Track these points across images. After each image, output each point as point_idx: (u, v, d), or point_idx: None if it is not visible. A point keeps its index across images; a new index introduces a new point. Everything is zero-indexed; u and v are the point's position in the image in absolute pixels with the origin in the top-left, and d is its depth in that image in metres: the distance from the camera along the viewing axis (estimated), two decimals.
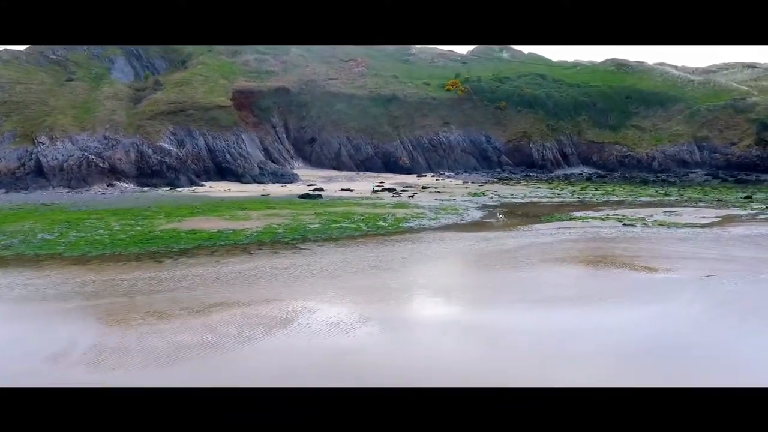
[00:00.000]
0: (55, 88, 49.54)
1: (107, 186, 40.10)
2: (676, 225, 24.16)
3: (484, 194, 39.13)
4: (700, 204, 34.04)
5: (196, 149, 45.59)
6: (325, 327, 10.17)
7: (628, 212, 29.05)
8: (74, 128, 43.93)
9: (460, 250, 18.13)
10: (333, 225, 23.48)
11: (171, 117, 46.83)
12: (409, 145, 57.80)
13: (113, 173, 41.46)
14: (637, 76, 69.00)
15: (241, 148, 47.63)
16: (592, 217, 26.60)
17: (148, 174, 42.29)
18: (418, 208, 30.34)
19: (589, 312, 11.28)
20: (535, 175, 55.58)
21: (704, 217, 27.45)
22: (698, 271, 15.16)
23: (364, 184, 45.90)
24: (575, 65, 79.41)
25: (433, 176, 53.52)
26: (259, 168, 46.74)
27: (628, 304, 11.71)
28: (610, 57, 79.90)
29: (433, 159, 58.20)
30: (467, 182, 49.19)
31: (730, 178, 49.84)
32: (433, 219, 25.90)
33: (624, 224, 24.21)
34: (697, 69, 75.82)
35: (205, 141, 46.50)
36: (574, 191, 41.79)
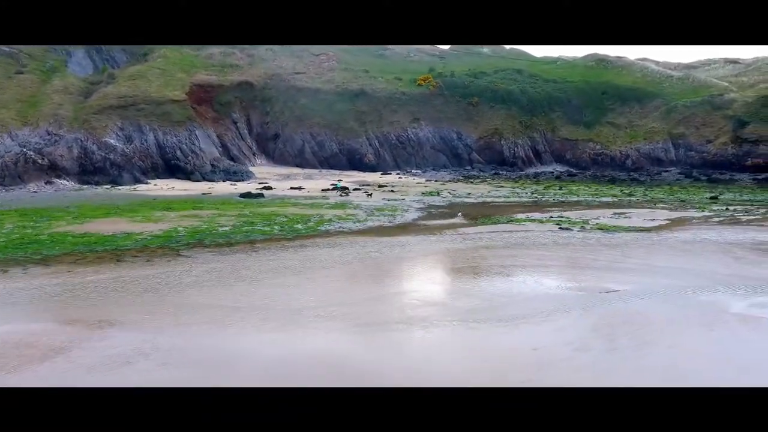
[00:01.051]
0: (2, 80, 47.49)
1: (45, 184, 38.19)
2: (617, 229, 22.42)
3: (438, 194, 37.37)
4: (660, 205, 32.32)
5: (144, 145, 43.66)
6: (91, 362, 8.37)
7: (578, 214, 27.32)
8: (16, 123, 41.97)
9: (353, 257, 16.32)
10: (245, 228, 21.70)
11: (120, 111, 44.90)
12: (376, 141, 55.92)
13: (53, 170, 39.53)
14: (616, 71, 67.15)
15: (193, 144, 45.71)
16: (532, 220, 24.85)
17: (90, 171, 40.39)
18: (354, 209, 28.57)
19: (405, 338, 9.51)
20: (505, 173, 53.77)
21: (654, 219, 25.73)
22: (605, 284, 13.42)
23: (321, 182, 44.09)
24: (556, 60, 77.61)
25: (397, 174, 51.69)
26: (212, 165, 44.84)
27: (480, 329, 9.93)
28: (591, 52, 78.08)
29: (401, 156, 56.33)
30: (431, 180, 47.41)
31: (703, 177, 48.13)
32: (359, 221, 24.10)
33: (560, 228, 22.46)
34: (679, 65, 73.96)
35: (155, 136, 44.57)
36: (536, 191, 40.05)
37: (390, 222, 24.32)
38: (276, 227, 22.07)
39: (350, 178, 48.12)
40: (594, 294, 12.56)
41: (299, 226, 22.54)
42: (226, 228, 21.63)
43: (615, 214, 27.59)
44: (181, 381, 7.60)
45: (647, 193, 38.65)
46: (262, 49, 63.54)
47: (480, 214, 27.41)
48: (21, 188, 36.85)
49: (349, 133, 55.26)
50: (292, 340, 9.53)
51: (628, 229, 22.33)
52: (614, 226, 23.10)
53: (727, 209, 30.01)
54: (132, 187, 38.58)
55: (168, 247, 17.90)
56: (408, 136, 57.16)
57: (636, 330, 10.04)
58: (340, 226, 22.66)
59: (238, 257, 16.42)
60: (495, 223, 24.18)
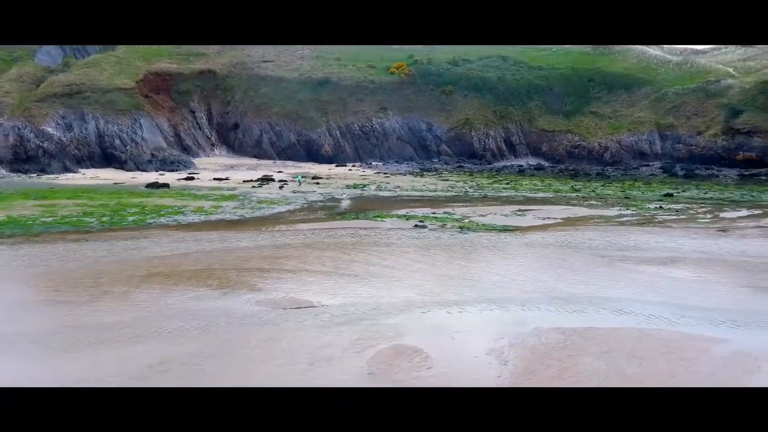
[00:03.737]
0: None
1: None
2: (481, 228, 19.46)
3: (364, 187, 34.84)
4: (590, 202, 28.64)
5: (83, 134, 43.02)
6: None
7: (471, 210, 24.31)
8: None
9: (81, 256, 14.25)
10: (68, 219, 20.05)
11: (64, 99, 44.40)
12: (337, 132, 53.51)
13: None
14: (611, 57, 61.74)
15: (135, 133, 44.77)
16: (402, 216, 22.06)
17: (23, 159, 39.96)
18: (234, 200, 26.53)
19: None
20: (470, 166, 50.26)
21: (548, 217, 22.49)
22: (314, 297, 10.87)
23: (260, 173, 42.22)
24: (551, 47, 72.61)
25: (352, 166, 49.23)
26: (152, 155, 43.76)
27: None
28: None
29: (364, 147, 53.70)
30: (380, 173, 44.77)
31: (681, 173, 43.22)
32: (208, 214, 22.07)
33: (416, 226, 19.68)
34: (685, 50, 67.44)
35: (96, 125, 43.87)
36: (478, 185, 36.80)
37: (241, 216, 22.13)
38: (105, 219, 20.35)
39: (301, 170, 46.01)
40: (276, 310, 10.05)
41: (132, 218, 20.73)
42: (51, 219, 20.06)
43: (516, 211, 24.39)
44: None
45: (596, 189, 34.70)
46: None
47: (363, 208, 24.80)
48: None
49: (309, 123, 53.09)
50: None
51: (492, 229, 19.32)
52: (482, 225, 20.12)
53: (660, 207, 26.17)
54: (56, 176, 37.92)
55: None
56: (373, 126, 54.43)
57: (216, 362, 7.54)
58: (175, 219, 20.71)
59: None
60: (355, 218, 21.63)
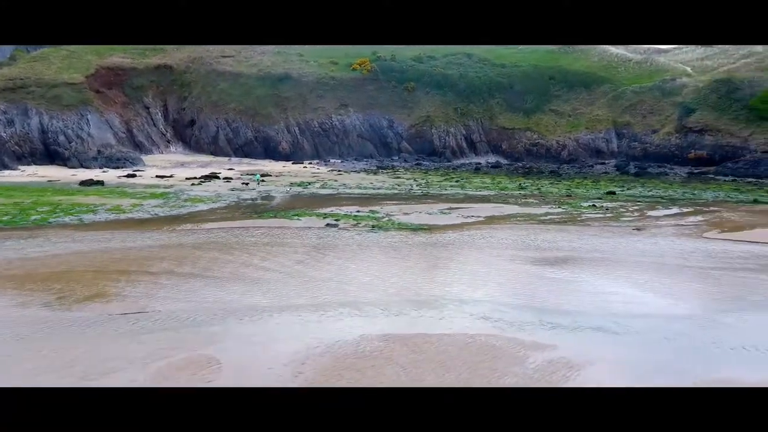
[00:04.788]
0: None
1: None
2: (395, 227, 19.03)
3: (309, 185, 34.23)
4: (528, 200, 28.40)
5: (25, 129, 41.66)
6: None
7: (399, 209, 23.85)
8: None
9: None
10: None
11: (6, 94, 42.96)
12: (296, 129, 52.72)
13: None
14: (574, 55, 61.83)
15: (81, 129, 43.51)
16: (319, 214, 21.52)
17: None
18: (160, 198, 25.72)
19: None
20: (428, 164, 49.91)
21: (471, 216, 22.15)
22: (161, 305, 10.30)
23: (210, 171, 41.33)
24: (518, 44, 72.61)
25: (308, 164, 48.53)
26: (98, 152, 42.56)
27: None
28: None
29: (324, 145, 53.00)
30: (334, 171, 44.17)
31: (632, 171, 43.38)
32: (123, 213, 21.27)
33: (328, 225, 19.18)
34: (648, 49, 67.90)
35: (39, 121, 42.52)
36: (426, 183, 36.40)
37: (155, 214, 21.38)
38: (5, 218, 19.48)
39: (253, 166, 45.22)
40: (101, 316, 9.45)
41: (36, 217, 19.88)
42: None
43: (444, 209, 24.00)
44: None
45: (542, 187, 34.55)
46: None
47: (290, 206, 24.21)
48: None
49: (267, 120, 52.21)
50: None
51: (405, 228, 18.90)
52: (398, 224, 19.69)
53: (593, 206, 26.03)
54: None
55: None
56: (332, 123, 53.73)
57: None
58: (80, 218, 19.92)
59: None
60: (273, 217, 21.04)
